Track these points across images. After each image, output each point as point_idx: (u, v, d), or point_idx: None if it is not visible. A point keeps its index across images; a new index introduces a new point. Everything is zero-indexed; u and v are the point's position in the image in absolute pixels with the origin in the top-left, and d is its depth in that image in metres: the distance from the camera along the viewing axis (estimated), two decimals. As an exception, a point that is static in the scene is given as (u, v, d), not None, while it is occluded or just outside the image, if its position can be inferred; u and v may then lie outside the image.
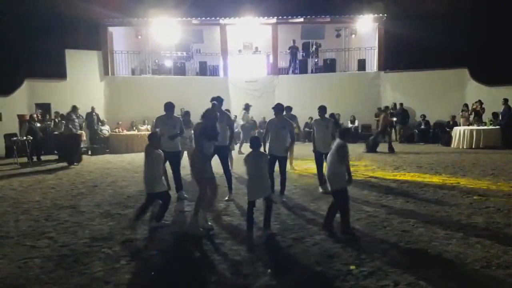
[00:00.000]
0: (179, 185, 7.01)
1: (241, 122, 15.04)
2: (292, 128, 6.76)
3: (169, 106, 6.96)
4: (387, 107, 14.86)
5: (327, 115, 7.77)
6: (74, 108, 12.11)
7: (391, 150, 13.16)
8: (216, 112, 5.68)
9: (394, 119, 15.89)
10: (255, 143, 5.00)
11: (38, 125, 13.63)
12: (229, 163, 7.28)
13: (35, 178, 9.40)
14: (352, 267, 3.85)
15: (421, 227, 4.99)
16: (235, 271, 3.87)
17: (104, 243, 4.64)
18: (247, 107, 13.82)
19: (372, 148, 13.32)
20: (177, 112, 8.73)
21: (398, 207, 6.08)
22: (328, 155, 5.02)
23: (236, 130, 17.55)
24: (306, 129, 17.44)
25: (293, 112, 10.37)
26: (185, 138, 8.50)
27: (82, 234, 5.02)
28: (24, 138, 12.42)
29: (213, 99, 6.64)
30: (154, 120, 8.61)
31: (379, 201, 6.47)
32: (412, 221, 5.27)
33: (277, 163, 6.64)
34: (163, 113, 6.97)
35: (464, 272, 3.71)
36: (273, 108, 6.74)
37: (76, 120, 12.26)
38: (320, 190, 7.19)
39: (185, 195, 6.97)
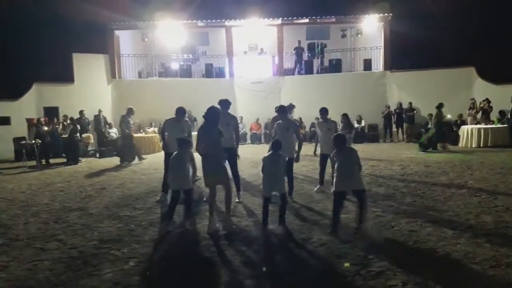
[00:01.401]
0: None
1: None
2: (296, 128, 6.81)
3: (180, 111, 7.06)
4: (441, 104, 13.85)
5: (335, 116, 7.79)
6: (130, 111, 12.23)
7: (444, 146, 13.25)
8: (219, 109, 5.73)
9: (449, 116, 15.22)
10: (274, 146, 5.35)
11: (46, 128, 13.77)
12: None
13: (44, 181, 9.49)
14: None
15: (429, 227, 4.97)
16: (244, 271, 3.88)
17: (113, 245, 4.67)
18: (289, 108, 12.93)
19: (428, 147, 13.06)
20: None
21: (405, 206, 6.05)
22: (346, 158, 4.95)
23: (243, 130, 17.71)
24: (313, 129, 17.43)
25: (300, 113, 10.21)
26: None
27: (91, 236, 5.06)
28: (33, 141, 12.56)
29: (220, 101, 6.68)
30: (163, 122, 8.58)
31: (386, 200, 6.44)
32: (419, 220, 5.24)
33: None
34: (171, 115, 7.03)
35: (473, 271, 3.69)
36: (276, 110, 6.84)
37: (131, 122, 12.48)
38: (315, 189, 7.32)
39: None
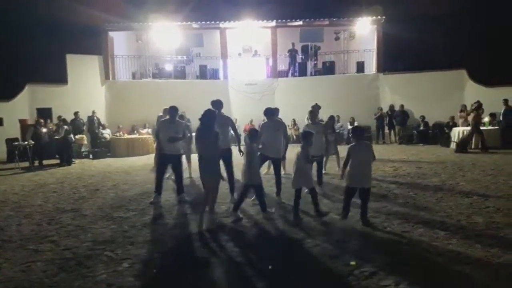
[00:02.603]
0: (180, 188, 7.03)
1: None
2: (285, 130, 6.94)
3: (173, 110, 7.04)
4: (479, 106, 13.61)
5: (325, 118, 7.88)
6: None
7: (484, 148, 12.89)
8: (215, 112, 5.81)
9: (486, 119, 14.76)
10: (304, 137, 5.78)
11: (44, 130, 13.66)
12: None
13: (37, 182, 9.43)
14: (352, 263, 3.94)
15: (421, 228, 5.02)
16: (238, 272, 3.90)
17: (107, 246, 4.67)
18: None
19: (465, 148, 12.97)
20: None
21: (398, 207, 6.10)
22: (362, 156, 5.20)
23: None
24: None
25: (293, 115, 10.27)
26: (188, 142, 8.46)
27: (84, 238, 5.05)
28: (25, 142, 12.47)
29: (213, 102, 6.69)
30: (156, 123, 8.53)
31: (379, 201, 6.48)
32: (412, 221, 5.30)
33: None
34: (164, 117, 7.02)
35: (465, 272, 3.74)
36: (264, 112, 6.94)
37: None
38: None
39: (186, 198, 6.99)
